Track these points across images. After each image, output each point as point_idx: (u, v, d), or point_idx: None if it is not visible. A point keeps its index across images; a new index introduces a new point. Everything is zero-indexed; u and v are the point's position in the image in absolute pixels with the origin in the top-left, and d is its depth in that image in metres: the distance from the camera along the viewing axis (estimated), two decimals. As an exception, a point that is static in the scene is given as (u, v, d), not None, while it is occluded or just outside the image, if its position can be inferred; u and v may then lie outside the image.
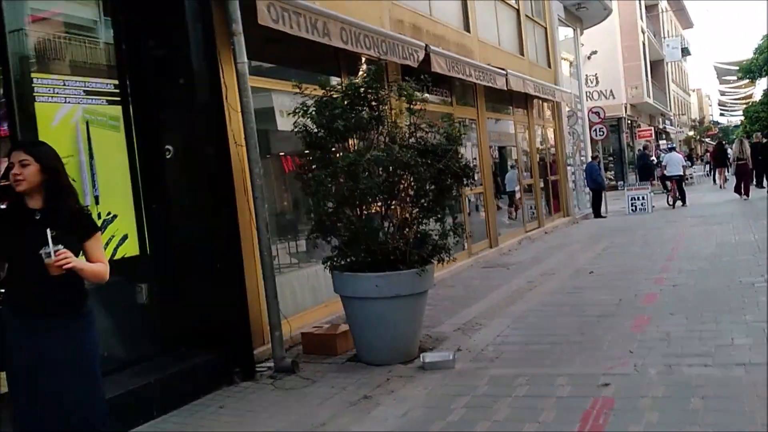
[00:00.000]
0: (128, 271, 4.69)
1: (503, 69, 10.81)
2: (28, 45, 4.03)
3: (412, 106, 4.93)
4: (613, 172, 27.64)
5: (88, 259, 2.89)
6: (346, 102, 4.92)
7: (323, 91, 5.12)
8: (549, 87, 13.60)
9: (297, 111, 4.98)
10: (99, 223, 4.42)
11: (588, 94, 24.49)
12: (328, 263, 4.99)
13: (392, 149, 4.58)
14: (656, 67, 36.18)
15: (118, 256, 4.56)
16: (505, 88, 10.86)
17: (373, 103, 4.98)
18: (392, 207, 4.95)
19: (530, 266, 9.24)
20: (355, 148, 4.77)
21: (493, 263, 9.84)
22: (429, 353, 4.89)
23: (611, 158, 28.76)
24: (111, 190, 4.54)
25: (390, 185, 4.78)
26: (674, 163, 17.46)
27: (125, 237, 4.64)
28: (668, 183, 17.90)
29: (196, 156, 4.81)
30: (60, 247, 2.63)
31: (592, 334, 5.20)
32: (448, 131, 4.98)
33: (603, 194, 16.39)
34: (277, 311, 4.94)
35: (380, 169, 4.63)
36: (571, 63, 19.01)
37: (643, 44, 31.58)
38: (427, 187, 4.98)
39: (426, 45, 7.89)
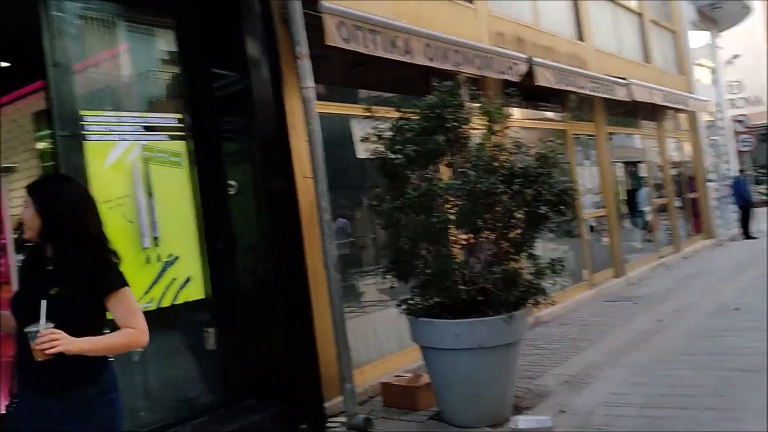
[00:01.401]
0: (191, 316, 4.41)
1: (624, 78, 9.74)
2: (76, 82, 3.85)
3: (492, 125, 4.27)
4: (766, 186, 24.66)
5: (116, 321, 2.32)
6: (423, 124, 4.36)
7: (400, 113, 4.60)
8: (681, 96, 12.18)
9: (369, 137, 4.49)
10: (159, 266, 4.18)
11: (731, 101, 22.08)
12: (404, 306, 4.40)
13: (468, 176, 3.94)
14: (814, 67, 32.14)
15: (180, 301, 4.27)
16: (628, 99, 9.76)
17: (454, 124, 4.36)
18: (475, 242, 4.28)
19: (662, 300, 8.06)
20: (430, 176, 4.16)
21: (618, 296, 8.74)
22: (523, 417, 4.13)
23: (762, 171, 25.71)
24: (172, 231, 4.26)
25: (472, 217, 4.13)
26: (842, 174, 15.08)
27: (188, 280, 4.35)
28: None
29: (261, 190, 4.44)
30: (50, 325, 2.10)
31: (735, 397, 4.18)
32: (541, 151, 4.25)
33: (752, 212, 14.44)
34: (347, 361, 4.41)
35: (457, 199, 4.01)
36: (712, 69, 17.14)
37: (796, 43, 28.13)
38: (517, 217, 4.27)
39: (529, 57, 7.15)
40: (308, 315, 4.47)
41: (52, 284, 2.26)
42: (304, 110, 4.46)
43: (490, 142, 4.34)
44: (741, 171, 15.41)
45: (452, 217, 4.07)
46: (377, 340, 5.46)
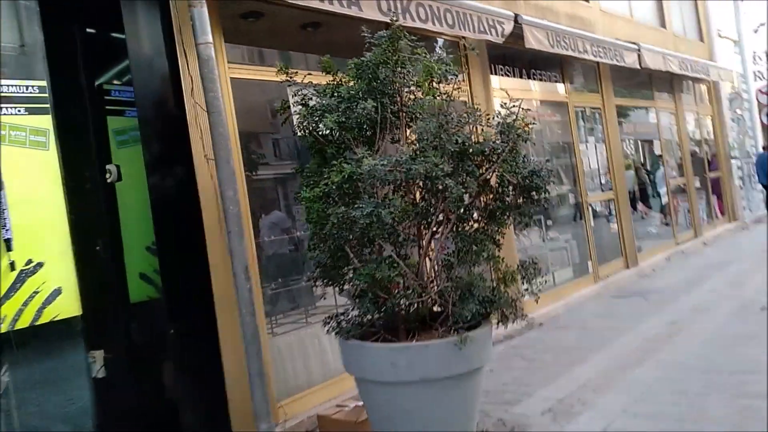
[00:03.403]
0: (63, 337, 3.48)
1: (635, 43, 8.60)
2: None
3: (434, 87, 3.26)
4: (794, 164, 23.18)
5: None
6: (355, 88, 3.36)
7: (331, 77, 3.59)
8: (701, 64, 10.94)
9: (285, 105, 3.51)
10: (12, 277, 3.25)
11: (757, 74, 20.59)
12: (332, 324, 3.42)
13: (399, 154, 2.93)
14: None
15: (44, 319, 3.33)
16: (639, 67, 8.62)
17: (394, 86, 3.34)
18: (419, 241, 3.29)
19: (678, 295, 7.01)
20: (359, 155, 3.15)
21: (628, 291, 7.69)
22: (483, 467, 3.16)
23: (791, 147, 24.21)
24: (32, 230, 3.32)
25: (410, 208, 3.13)
26: None
27: (57, 292, 3.41)
28: None
29: (149, 176, 3.48)
30: None
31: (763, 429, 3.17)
32: (504, 123, 3.22)
33: (781, 192, 13.21)
34: (263, 394, 3.46)
35: (391, 186, 3.01)
36: (735, 42, 15.78)
37: (829, 10, 26.42)
38: (476, 207, 3.26)
39: (516, 15, 6.08)
40: (213, 335, 3.52)
41: None
42: (201, 72, 3.47)
43: (439, 111, 3.31)
44: (765, 147, 14.12)
45: (387, 209, 3.04)
46: (321, 359, 4.49)
